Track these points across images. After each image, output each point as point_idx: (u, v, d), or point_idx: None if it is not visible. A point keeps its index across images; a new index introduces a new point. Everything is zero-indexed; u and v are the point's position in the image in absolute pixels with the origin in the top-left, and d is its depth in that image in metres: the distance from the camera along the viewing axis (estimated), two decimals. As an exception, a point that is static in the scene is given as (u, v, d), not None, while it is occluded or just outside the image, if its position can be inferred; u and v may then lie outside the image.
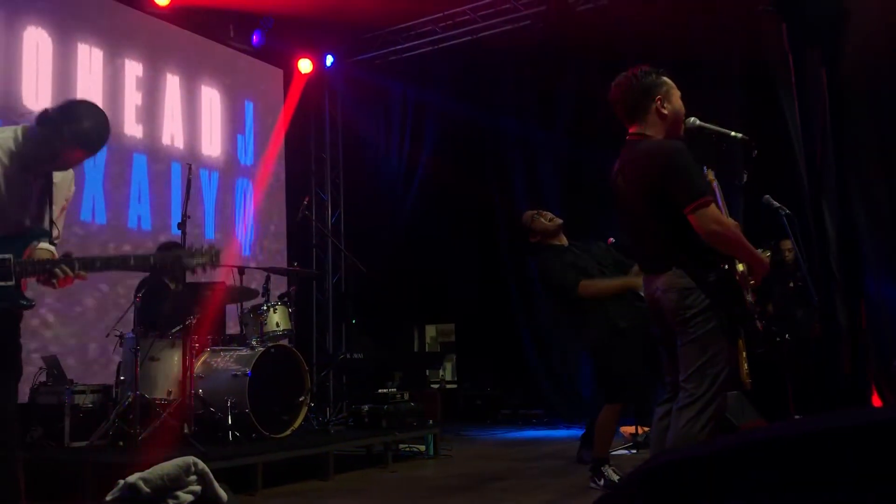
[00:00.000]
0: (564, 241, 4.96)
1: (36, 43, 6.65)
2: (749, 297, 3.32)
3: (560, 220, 4.96)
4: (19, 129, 2.73)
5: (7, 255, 2.69)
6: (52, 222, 2.85)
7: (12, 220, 2.74)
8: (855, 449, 0.88)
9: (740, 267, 3.32)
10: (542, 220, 4.91)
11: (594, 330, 4.76)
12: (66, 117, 2.70)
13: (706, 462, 1.02)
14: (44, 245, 2.83)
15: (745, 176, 4.07)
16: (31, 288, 2.90)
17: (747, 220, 6.00)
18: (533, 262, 4.93)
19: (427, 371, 9.51)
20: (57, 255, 2.87)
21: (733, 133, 3.53)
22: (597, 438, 4.75)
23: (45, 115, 2.72)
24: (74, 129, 2.69)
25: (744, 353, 5.24)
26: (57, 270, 2.73)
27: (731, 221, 3.15)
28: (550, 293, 4.91)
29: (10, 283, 2.69)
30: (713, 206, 3.04)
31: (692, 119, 3.48)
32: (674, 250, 3.13)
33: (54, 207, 2.86)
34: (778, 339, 5.48)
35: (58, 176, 2.87)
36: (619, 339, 4.70)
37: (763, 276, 3.33)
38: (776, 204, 5.26)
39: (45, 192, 2.83)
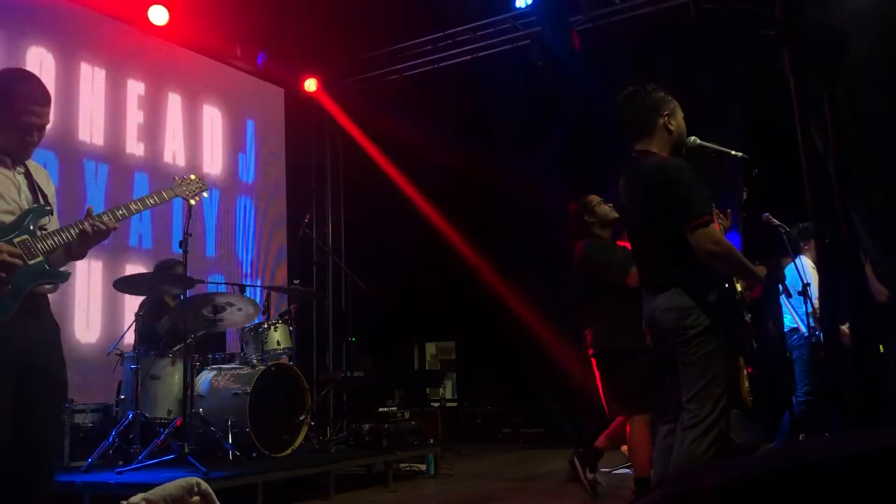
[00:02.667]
0: (609, 236, 4.91)
1: (39, 62, 6.68)
2: (748, 317, 3.32)
3: (617, 216, 4.81)
4: None
5: (24, 236, 2.70)
6: (48, 202, 2.88)
7: (13, 207, 2.76)
8: (867, 475, 0.88)
9: (739, 286, 3.33)
10: (606, 207, 4.81)
11: (621, 333, 4.64)
12: (7, 94, 2.75)
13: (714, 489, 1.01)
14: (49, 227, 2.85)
15: (745, 194, 4.09)
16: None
17: (747, 237, 6.02)
18: (581, 245, 4.80)
19: (427, 389, 9.48)
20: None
21: (733, 152, 3.56)
22: (633, 457, 4.58)
23: None
24: (22, 96, 2.75)
25: (744, 372, 5.23)
26: (86, 227, 2.78)
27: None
28: (593, 278, 4.79)
29: (39, 259, 2.71)
30: (712, 226, 3.05)
31: (692, 138, 3.51)
32: (674, 269, 3.14)
33: (49, 198, 2.90)
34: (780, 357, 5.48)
35: (33, 172, 2.90)
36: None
37: (759, 287, 3.33)
38: (776, 221, 5.29)
39: (31, 181, 2.86)
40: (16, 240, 2.68)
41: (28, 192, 2.82)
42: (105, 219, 2.84)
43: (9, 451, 2.61)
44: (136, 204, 3.03)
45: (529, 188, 9.02)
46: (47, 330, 2.83)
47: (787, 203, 5.58)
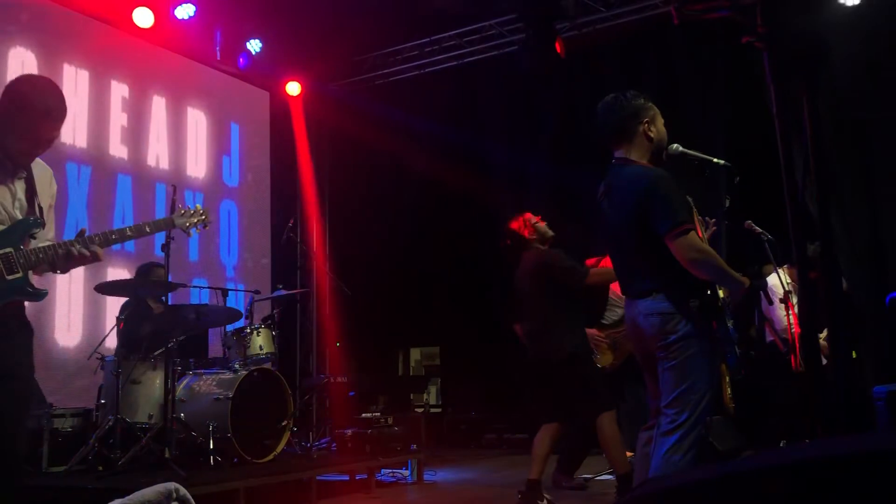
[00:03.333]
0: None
1: (21, 62, 6.63)
2: (730, 324, 3.34)
3: (553, 234, 5.10)
4: None
5: (8, 249, 2.66)
6: (42, 215, 2.83)
7: (4, 217, 2.72)
8: (843, 478, 0.89)
9: (721, 293, 3.35)
10: (543, 225, 5.08)
11: (579, 335, 4.85)
12: (32, 106, 2.71)
13: (693, 491, 1.02)
14: (41, 236, 2.82)
15: (728, 201, 4.12)
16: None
17: (729, 245, 6.05)
18: (534, 253, 4.97)
19: (411, 395, 9.47)
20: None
21: (715, 160, 3.58)
22: (610, 456, 4.75)
23: (6, 111, 2.72)
24: (46, 111, 2.72)
25: (727, 378, 5.27)
26: (73, 251, 2.75)
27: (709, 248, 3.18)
28: (547, 284, 4.90)
29: (18, 276, 2.67)
30: (693, 233, 3.06)
31: (675, 145, 3.52)
32: (656, 275, 3.15)
33: (42, 205, 2.85)
34: (758, 362, 5.52)
35: (37, 173, 2.86)
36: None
37: (742, 295, 3.35)
38: (758, 229, 5.32)
39: (30, 189, 2.82)
40: None
41: (24, 201, 2.78)
42: (94, 247, 2.80)
43: None
44: (131, 230, 3.01)
45: (516, 193, 9.04)
46: (18, 333, 2.78)
47: (769, 211, 5.62)
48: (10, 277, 2.65)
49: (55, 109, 2.76)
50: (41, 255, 2.73)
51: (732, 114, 7.15)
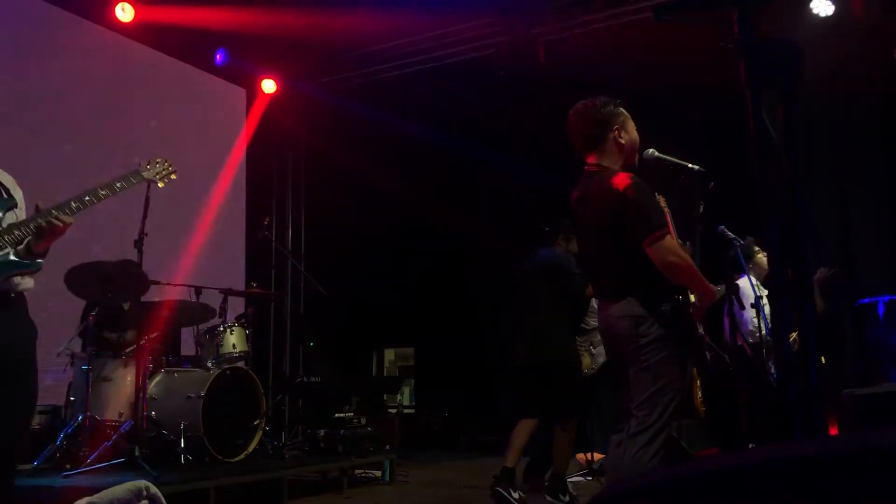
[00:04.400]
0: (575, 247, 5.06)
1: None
2: (700, 328, 3.40)
3: None
4: None
5: None
6: (11, 196, 2.79)
7: None
8: (807, 480, 0.88)
9: (692, 298, 3.40)
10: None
11: (571, 347, 4.93)
12: None
13: (657, 491, 1.01)
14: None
15: (702, 207, 4.17)
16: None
17: (702, 250, 6.11)
18: (548, 251, 5.02)
19: (385, 396, 9.45)
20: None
21: (690, 164, 3.62)
22: (561, 455, 4.93)
23: None
24: None
25: (697, 382, 5.32)
26: (42, 223, 2.67)
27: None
28: (549, 285, 4.94)
29: (5, 251, 2.63)
30: (669, 237, 3.12)
31: (650, 150, 3.57)
32: (629, 280, 3.20)
33: (16, 197, 2.81)
34: (731, 368, 5.57)
35: None
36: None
37: (709, 306, 3.41)
38: (731, 234, 5.38)
39: None
40: None
41: None
42: (57, 213, 2.72)
43: None
44: (103, 190, 2.92)
45: (494, 194, 9.07)
46: (21, 330, 2.75)
47: (742, 216, 5.69)
48: None
49: None
50: (24, 229, 2.68)
51: (707, 118, 7.22)
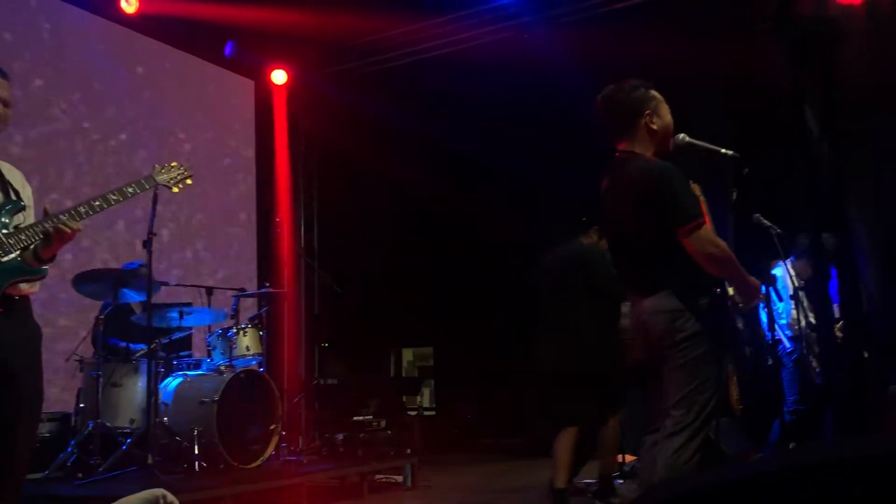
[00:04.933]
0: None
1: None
2: (739, 324, 3.21)
3: None
4: None
5: None
6: (20, 198, 2.77)
7: None
8: (853, 482, 0.87)
9: (730, 291, 3.22)
10: None
11: (610, 345, 4.62)
12: None
13: (706, 497, 1.01)
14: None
15: (735, 194, 3.95)
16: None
17: (736, 239, 5.91)
18: (578, 246, 4.75)
19: (404, 397, 9.31)
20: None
21: (723, 150, 3.44)
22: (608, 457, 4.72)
23: None
24: None
25: (733, 379, 5.08)
26: (49, 228, 2.63)
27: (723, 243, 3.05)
28: (580, 281, 4.67)
29: (13, 256, 2.61)
30: (706, 227, 2.97)
31: (681, 135, 3.41)
32: (663, 272, 3.06)
33: (23, 197, 2.79)
34: (770, 363, 5.37)
35: (5, 171, 2.81)
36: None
37: (753, 303, 3.25)
38: (766, 222, 5.17)
39: (1, 179, 2.77)
40: None
41: None
42: (65, 218, 2.67)
43: None
44: (115, 195, 2.86)
45: (512, 186, 8.87)
46: (26, 335, 2.74)
47: (779, 204, 5.48)
48: (5, 259, 2.60)
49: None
50: (30, 233, 2.66)
51: (740, 102, 7.00)
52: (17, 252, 2.63)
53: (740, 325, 3.26)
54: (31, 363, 2.74)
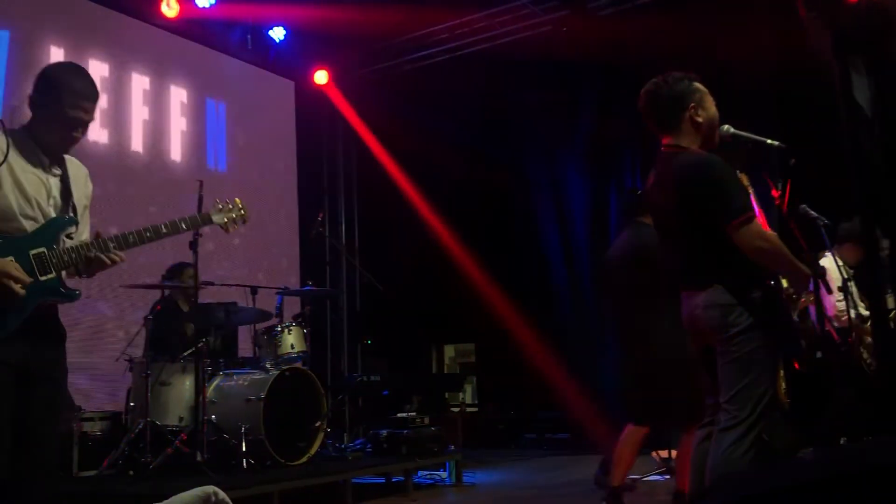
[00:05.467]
0: None
1: (55, 60, 6.58)
2: (794, 315, 3.15)
3: None
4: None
5: (41, 249, 2.60)
6: (76, 214, 2.77)
7: (37, 214, 2.66)
8: None
9: (784, 283, 3.17)
10: None
11: (677, 336, 4.36)
12: (58, 88, 2.66)
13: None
14: (76, 237, 2.77)
15: (783, 185, 3.88)
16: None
17: (783, 231, 5.79)
18: (636, 233, 4.52)
19: (447, 394, 9.28)
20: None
21: (769, 141, 3.38)
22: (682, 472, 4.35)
23: (36, 100, 2.68)
24: (72, 90, 2.66)
25: (781, 373, 4.98)
26: (91, 256, 2.66)
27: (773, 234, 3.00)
28: (642, 272, 4.40)
29: (51, 276, 2.61)
30: (755, 221, 2.92)
31: (726, 127, 3.35)
32: (715, 266, 3.01)
33: (77, 206, 2.79)
34: (820, 355, 5.26)
35: (72, 172, 2.80)
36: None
37: (805, 288, 3.19)
38: (813, 213, 5.04)
39: (65, 188, 2.76)
40: (32, 252, 2.58)
41: (58, 198, 2.72)
42: (114, 248, 2.71)
43: (10, 460, 2.54)
44: (166, 229, 2.86)
45: (551, 181, 8.81)
46: (51, 338, 2.73)
47: (825, 194, 5.35)
48: (43, 278, 2.59)
49: (82, 88, 2.70)
50: (74, 256, 2.66)
51: (784, 91, 6.86)
52: (55, 273, 2.63)
53: (796, 316, 3.19)
54: (54, 362, 2.73)
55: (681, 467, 4.36)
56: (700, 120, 3.13)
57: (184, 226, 2.92)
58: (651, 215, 3.59)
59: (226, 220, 3.19)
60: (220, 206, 3.19)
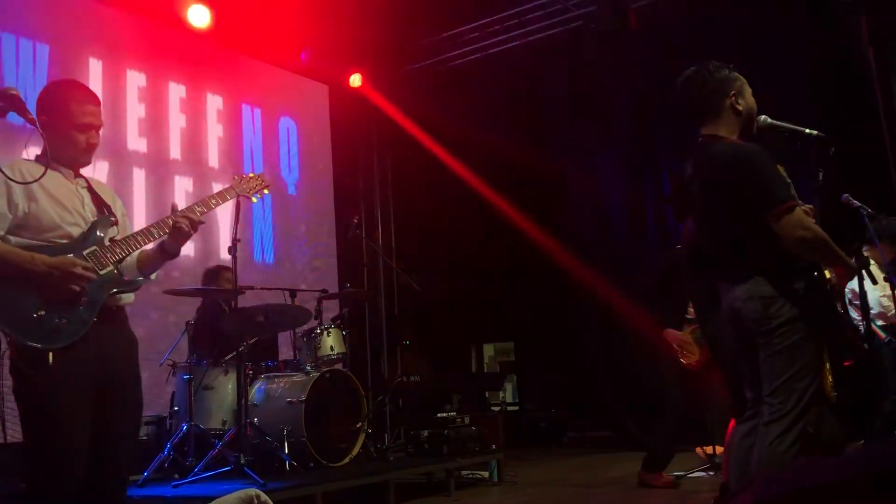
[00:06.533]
0: None
1: (97, 72, 6.72)
2: (839, 307, 3.09)
3: None
4: (20, 161, 2.80)
5: (93, 247, 2.76)
6: (112, 213, 2.92)
7: (78, 220, 2.81)
8: None
9: (828, 273, 3.10)
10: None
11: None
12: (62, 102, 2.82)
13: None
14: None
15: (822, 175, 3.81)
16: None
17: (825, 222, 5.66)
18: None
19: (487, 393, 9.25)
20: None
21: (807, 130, 3.32)
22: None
23: (46, 122, 2.78)
24: (75, 100, 2.83)
25: (827, 366, 4.87)
26: (179, 222, 2.88)
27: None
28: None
29: (109, 269, 2.76)
30: (798, 210, 2.86)
31: (763, 117, 3.31)
32: (755, 257, 2.96)
33: (116, 215, 2.96)
34: (868, 349, 5.14)
35: (97, 188, 2.96)
36: None
37: (850, 278, 3.12)
38: (857, 203, 4.93)
39: (95, 197, 2.92)
40: (85, 251, 2.73)
41: (91, 205, 2.87)
42: (195, 212, 2.94)
43: (87, 463, 2.65)
44: (199, 206, 3.06)
45: (589, 177, 8.72)
46: (125, 343, 2.88)
47: (867, 184, 5.24)
48: (103, 272, 2.74)
49: (83, 96, 2.87)
50: (125, 247, 2.82)
51: (822, 82, 6.71)
52: (112, 266, 2.77)
53: (839, 308, 3.11)
54: (131, 369, 2.88)
55: (726, 461, 4.31)
56: (740, 108, 3.09)
57: (213, 202, 3.15)
58: (690, 207, 3.55)
59: (249, 190, 3.39)
60: (241, 180, 3.39)
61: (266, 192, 3.50)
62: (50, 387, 2.60)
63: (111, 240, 2.84)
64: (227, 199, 3.22)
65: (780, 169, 3.31)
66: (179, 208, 2.97)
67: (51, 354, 2.57)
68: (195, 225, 2.93)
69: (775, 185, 2.89)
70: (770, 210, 2.84)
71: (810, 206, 3.45)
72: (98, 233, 2.81)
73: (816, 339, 2.91)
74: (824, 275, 3.10)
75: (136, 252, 2.92)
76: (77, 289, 2.64)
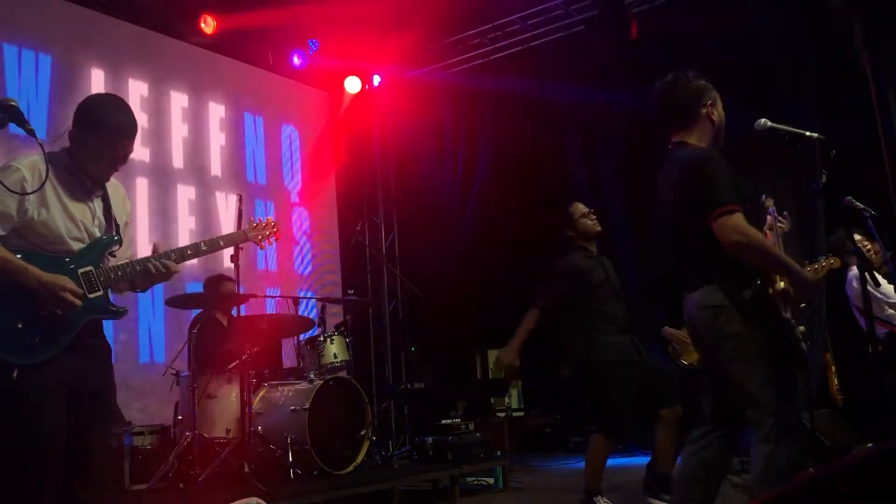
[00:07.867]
0: (594, 249, 4.89)
1: (98, 81, 6.76)
2: (787, 314, 3.00)
3: (600, 229, 4.87)
4: (38, 156, 2.65)
5: (89, 268, 2.73)
6: (118, 232, 2.91)
7: (83, 235, 2.78)
8: None
9: (781, 284, 3.03)
10: (588, 221, 4.83)
11: (607, 348, 4.60)
12: (100, 127, 2.76)
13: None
14: (120, 254, 2.92)
15: (824, 177, 3.80)
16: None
17: (829, 224, 5.64)
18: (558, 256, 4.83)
19: (492, 399, 9.23)
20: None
21: (808, 133, 3.30)
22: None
23: (77, 137, 2.77)
24: (115, 128, 2.77)
25: (832, 369, 4.84)
26: (150, 267, 2.84)
27: (757, 232, 2.89)
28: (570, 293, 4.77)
29: (98, 294, 2.73)
30: (738, 215, 2.80)
31: (763, 120, 3.28)
32: (707, 265, 2.94)
33: (119, 223, 2.93)
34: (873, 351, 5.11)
35: (111, 191, 2.93)
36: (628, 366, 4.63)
37: (809, 292, 3.06)
38: (859, 205, 4.91)
39: (107, 207, 2.90)
40: (80, 271, 2.71)
41: (102, 219, 2.86)
42: (170, 263, 2.90)
43: (64, 472, 2.62)
44: (206, 245, 3.08)
45: (591, 182, 8.72)
46: (98, 353, 2.83)
47: (871, 184, 5.21)
48: (91, 296, 2.71)
49: (128, 127, 2.82)
50: (120, 273, 2.80)
51: (823, 84, 6.71)
52: (103, 291, 2.75)
53: (788, 315, 3.04)
54: (102, 377, 2.82)
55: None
56: (714, 118, 3.10)
57: (221, 243, 3.20)
58: (659, 212, 3.54)
59: (260, 237, 3.45)
60: (255, 224, 3.46)
61: (277, 238, 3.56)
62: (20, 396, 2.55)
63: (112, 256, 2.83)
64: (236, 243, 3.30)
65: (770, 201, 3.29)
66: (160, 250, 2.95)
67: (16, 370, 2.53)
68: (169, 275, 2.90)
69: (721, 188, 2.85)
70: (710, 212, 2.82)
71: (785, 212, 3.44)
72: (99, 251, 2.79)
73: (768, 347, 2.86)
74: (771, 281, 3.04)
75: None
76: (60, 313, 2.62)
